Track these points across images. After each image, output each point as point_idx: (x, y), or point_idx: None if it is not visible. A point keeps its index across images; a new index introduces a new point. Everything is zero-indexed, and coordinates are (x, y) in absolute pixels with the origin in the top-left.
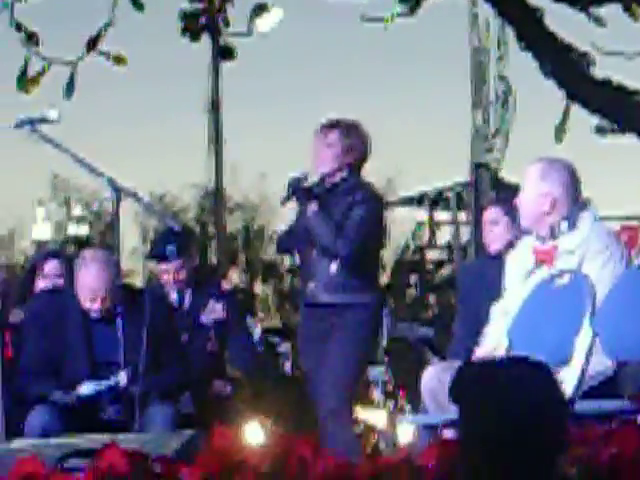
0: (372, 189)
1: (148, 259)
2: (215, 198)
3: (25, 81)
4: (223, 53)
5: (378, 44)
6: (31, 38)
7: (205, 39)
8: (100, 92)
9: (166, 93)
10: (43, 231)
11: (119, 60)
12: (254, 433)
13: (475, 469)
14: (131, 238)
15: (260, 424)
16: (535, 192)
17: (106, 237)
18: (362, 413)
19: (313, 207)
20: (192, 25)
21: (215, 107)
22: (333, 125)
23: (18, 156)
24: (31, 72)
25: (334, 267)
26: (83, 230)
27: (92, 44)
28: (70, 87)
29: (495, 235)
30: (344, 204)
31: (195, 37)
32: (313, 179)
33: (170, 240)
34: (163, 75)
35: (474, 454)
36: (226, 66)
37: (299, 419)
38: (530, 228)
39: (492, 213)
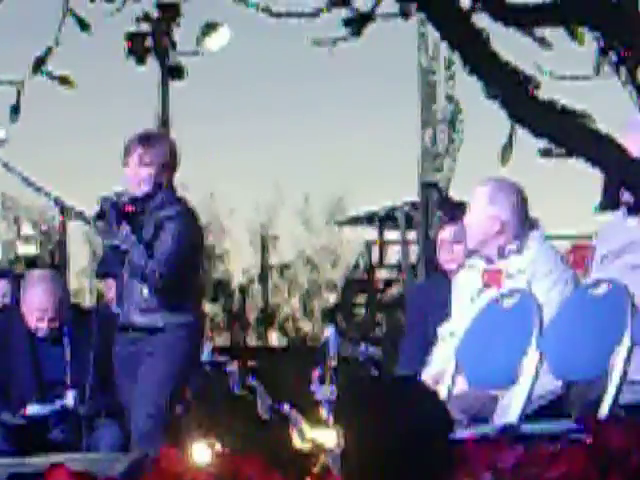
0: (185, 204)
1: (96, 277)
2: None
3: None
4: (172, 73)
5: (327, 64)
6: None
7: (153, 59)
8: (50, 111)
9: (116, 112)
10: None
11: (64, 81)
12: (202, 453)
13: None
14: (81, 258)
15: (208, 444)
16: (483, 215)
17: (55, 256)
18: (310, 432)
19: (124, 228)
20: (137, 47)
21: (164, 126)
22: (144, 141)
23: None
24: None
25: (145, 288)
26: (32, 249)
27: (38, 65)
28: (16, 109)
29: (455, 254)
30: (155, 221)
31: (140, 60)
32: (125, 198)
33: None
34: (113, 94)
35: (354, 469)
36: (175, 85)
37: (247, 438)
38: (477, 249)
39: (452, 232)
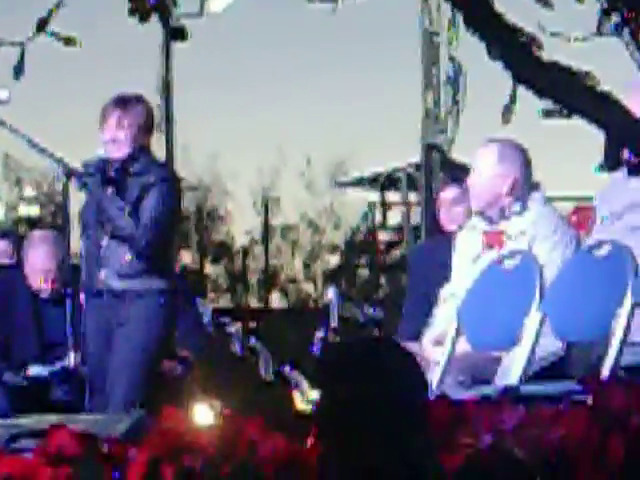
0: (166, 168)
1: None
2: None
3: None
4: (174, 34)
5: (329, 27)
6: None
7: (156, 20)
8: (51, 73)
9: (117, 74)
10: None
11: (69, 41)
12: (203, 414)
13: (329, 449)
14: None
15: (210, 405)
16: (492, 174)
17: (57, 218)
18: (312, 393)
19: (109, 193)
20: (140, 5)
21: (166, 88)
22: (121, 104)
23: None
24: None
25: (129, 254)
26: (34, 211)
27: (42, 25)
28: (19, 68)
29: (455, 215)
30: (138, 186)
31: (143, 18)
32: (108, 163)
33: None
34: (114, 56)
35: (328, 434)
36: (178, 47)
37: (249, 400)
38: (481, 210)
39: (453, 193)
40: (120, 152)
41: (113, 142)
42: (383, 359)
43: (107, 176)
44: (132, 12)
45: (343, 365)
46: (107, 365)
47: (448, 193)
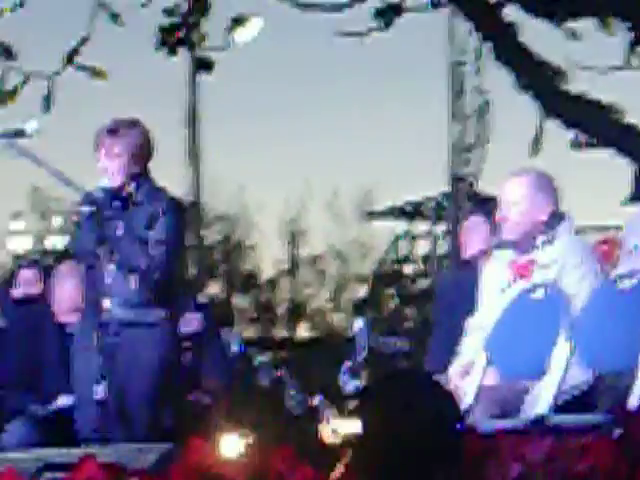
0: (172, 196)
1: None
2: (194, 210)
3: (2, 94)
4: (201, 66)
5: (354, 59)
6: (7, 51)
7: (183, 53)
8: (79, 106)
9: (145, 106)
10: (20, 243)
11: (98, 74)
12: (231, 445)
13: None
14: None
15: (238, 436)
16: (530, 204)
17: None
18: (339, 424)
19: (120, 225)
20: (169, 39)
21: (193, 121)
22: (115, 131)
23: None
24: (8, 85)
25: (136, 283)
26: (62, 242)
27: (70, 57)
28: (48, 100)
29: (472, 241)
30: (145, 215)
31: (172, 51)
32: (100, 193)
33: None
34: (141, 89)
35: (366, 464)
36: (204, 80)
37: (276, 431)
38: (516, 240)
39: (473, 221)
40: (114, 181)
41: (105, 171)
42: (420, 392)
43: (111, 208)
44: (161, 45)
45: (382, 397)
46: (120, 395)
47: (468, 221)
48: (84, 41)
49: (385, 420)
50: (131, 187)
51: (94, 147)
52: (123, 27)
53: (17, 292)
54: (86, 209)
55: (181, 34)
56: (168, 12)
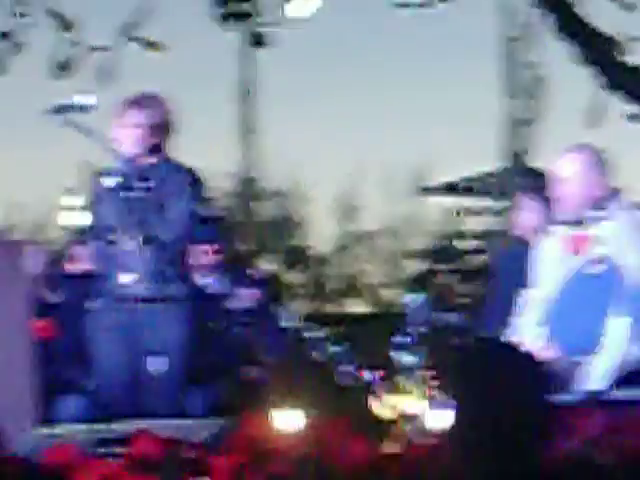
0: (189, 168)
1: None
2: (247, 186)
3: (60, 67)
4: (255, 41)
5: (409, 35)
6: (66, 24)
7: (238, 28)
8: (133, 79)
9: (199, 81)
10: (72, 219)
11: (153, 46)
12: (285, 420)
13: (466, 452)
14: None
15: (293, 411)
16: (588, 179)
17: None
18: (392, 400)
19: (139, 198)
20: (226, 11)
21: (248, 96)
22: (133, 103)
23: (50, 143)
24: (65, 57)
25: (159, 259)
26: None
27: (128, 30)
28: (106, 73)
29: (526, 217)
30: (164, 187)
31: (238, 21)
32: (117, 167)
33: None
34: (196, 63)
35: (465, 438)
36: (260, 54)
37: (333, 405)
38: (569, 217)
39: (525, 197)
40: (129, 152)
41: (119, 142)
42: (508, 361)
43: (130, 182)
44: (225, 18)
45: (472, 370)
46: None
47: (522, 197)
48: (140, 13)
49: (479, 399)
50: (150, 159)
51: (113, 117)
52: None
53: (71, 267)
54: (105, 182)
55: (237, 7)
56: None
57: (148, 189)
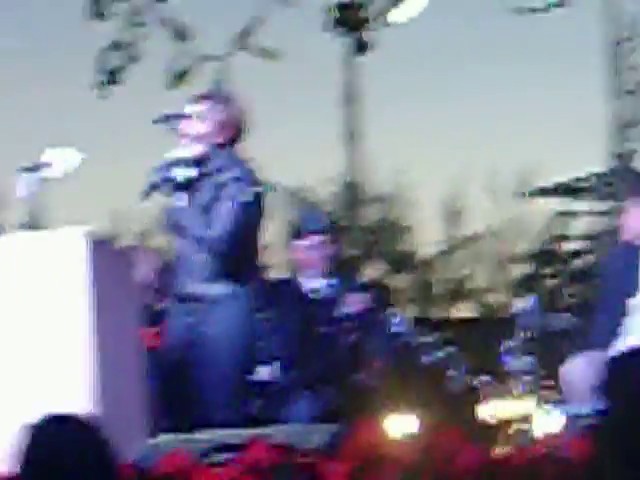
0: (246, 167)
1: (292, 238)
2: (352, 190)
3: (176, 77)
4: (359, 46)
5: (513, 37)
6: (181, 34)
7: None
8: (242, 86)
9: (302, 86)
10: None
11: (269, 55)
12: (398, 425)
13: (616, 458)
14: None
15: (404, 416)
16: None
17: None
18: (501, 404)
19: (178, 197)
20: (349, 18)
21: (351, 101)
22: (202, 99)
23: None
24: (181, 68)
25: (204, 257)
26: None
27: (242, 39)
28: (221, 82)
29: (632, 221)
30: (211, 186)
31: (350, 29)
32: (185, 163)
33: (313, 218)
34: (299, 68)
35: (619, 443)
36: (362, 59)
37: (442, 411)
38: None
39: (631, 200)
40: (193, 149)
41: (186, 136)
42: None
43: (176, 183)
44: (337, 24)
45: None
46: (191, 373)
47: (628, 200)
48: (255, 23)
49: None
50: (208, 157)
51: (180, 112)
52: (294, 8)
53: None
54: (161, 179)
55: (348, 15)
56: None
57: (196, 186)
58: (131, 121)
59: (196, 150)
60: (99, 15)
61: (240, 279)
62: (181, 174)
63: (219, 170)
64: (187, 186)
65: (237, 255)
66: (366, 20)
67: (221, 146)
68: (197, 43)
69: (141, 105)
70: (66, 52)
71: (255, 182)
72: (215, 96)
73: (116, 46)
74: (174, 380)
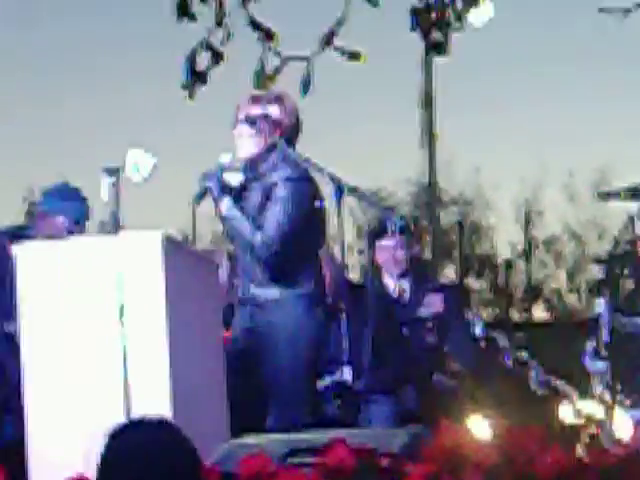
0: (297, 167)
1: (374, 238)
2: (429, 193)
3: (262, 78)
4: (435, 48)
5: (590, 38)
6: (268, 35)
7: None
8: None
9: (380, 89)
10: None
11: (355, 56)
12: (478, 428)
13: None
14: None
15: (484, 418)
16: None
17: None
18: (582, 406)
19: (226, 202)
20: (424, 21)
21: (428, 102)
22: (254, 100)
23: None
24: (268, 69)
25: (257, 261)
26: None
27: (327, 40)
28: (307, 84)
29: None
30: (261, 188)
31: (426, 35)
32: (236, 166)
33: (392, 219)
34: (377, 71)
35: None
36: (439, 61)
37: (523, 412)
38: None
39: None
40: (246, 149)
41: (240, 137)
42: None
43: (225, 185)
44: (413, 28)
45: None
46: (259, 375)
47: None
48: (340, 23)
49: None
50: (261, 158)
51: (235, 112)
52: (378, 8)
53: None
54: (230, 182)
55: (427, 17)
56: None
57: (244, 191)
58: (217, 120)
59: (248, 152)
60: (188, 15)
61: (297, 281)
62: (231, 178)
63: (271, 170)
64: (238, 190)
65: (291, 257)
66: (446, 22)
67: (271, 148)
68: (283, 44)
69: (226, 105)
70: (151, 53)
71: (308, 182)
72: (266, 98)
73: (205, 47)
74: (240, 383)
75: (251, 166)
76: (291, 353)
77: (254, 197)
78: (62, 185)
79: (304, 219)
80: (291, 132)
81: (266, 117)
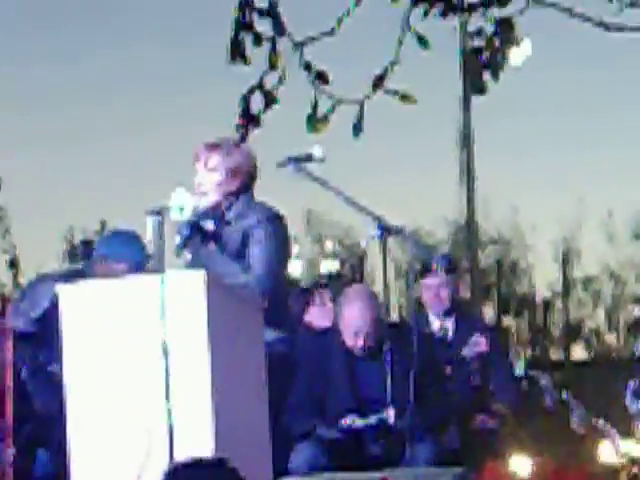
0: (266, 208)
1: (419, 276)
2: (468, 232)
3: (315, 121)
4: (476, 88)
5: (623, 81)
6: (320, 77)
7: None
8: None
9: (419, 128)
10: (294, 267)
11: (407, 98)
12: (522, 467)
13: None
14: (381, 272)
15: (527, 457)
16: None
17: (355, 272)
18: (623, 445)
19: (210, 247)
20: (473, 64)
21: (466, 141)
22: (212, 148)
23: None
24: (319, 112)
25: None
26: (334, 266)
27: (378, 82)
28: (358, 126)
29: None
30: (238, 232)
31: (478, 78)
32: (198, 216)
33: (437, 258)
34: (420, 109)
35: None
36: (478, 100)
37: (565, 452)
38: None
39: None
40: (207, 199)
41: (199, 187)
42: None
43: (206, 232)
44: (466, 71)
45: None
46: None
47: None
48: (392, 65)
49: None
50: (224, 206)
51: (193, 159)
52: (430, 51)
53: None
54: (183, 235)
55: (473, 58)
56: (473, 35)
57: (220, 235)
58: (266, 164)
59: (211, 200)
60: (241, 58)
61: (284, 322)
62: (206, 226)
63: (240, 218)
64: (214, 236)
65: (279, 298)
66: (496, 64)
67: (236, 191)
68: (335, 86)
69: (277, 147)
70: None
71: (281, 220)
72: (224, 145)
73: (258, 89)
74: None
75: (216, 214)
76: (284, 397)
77: (231, 243)
78: (123, 230)
79: (286, 257)
80: (250, 178)
81: (227, 165)
